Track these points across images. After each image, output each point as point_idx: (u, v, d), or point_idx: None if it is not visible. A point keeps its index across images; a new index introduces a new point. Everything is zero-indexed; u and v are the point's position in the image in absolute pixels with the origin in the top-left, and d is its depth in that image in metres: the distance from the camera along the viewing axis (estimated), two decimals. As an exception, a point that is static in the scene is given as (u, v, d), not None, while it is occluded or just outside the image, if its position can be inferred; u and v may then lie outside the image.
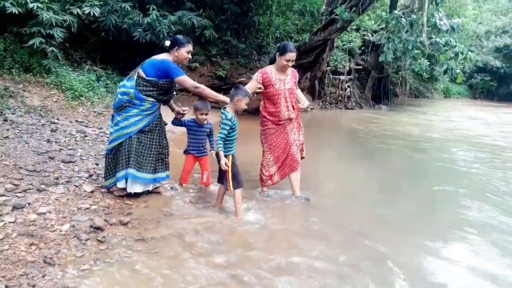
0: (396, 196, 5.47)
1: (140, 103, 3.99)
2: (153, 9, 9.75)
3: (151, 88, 4.01)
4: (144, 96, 4.00)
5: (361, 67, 19.49)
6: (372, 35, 18.94)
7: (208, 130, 4.78)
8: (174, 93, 4.41)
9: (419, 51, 10.65)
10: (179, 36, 4.24)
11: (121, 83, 4.14)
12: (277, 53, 4.33)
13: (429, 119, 16.51)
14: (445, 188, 5.93)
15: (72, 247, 3.00)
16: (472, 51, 14.25)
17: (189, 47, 4.17)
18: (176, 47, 4.11)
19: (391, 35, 10.32)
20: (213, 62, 12.71)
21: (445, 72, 10.99)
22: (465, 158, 8.47)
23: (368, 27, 18.81)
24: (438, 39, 9.98)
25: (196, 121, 4.68)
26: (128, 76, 4.10)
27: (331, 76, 17.34)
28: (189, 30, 10.60)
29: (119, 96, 4.06)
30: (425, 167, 7.65)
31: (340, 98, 18.04)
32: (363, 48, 19.35)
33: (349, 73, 18.44)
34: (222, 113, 3.79)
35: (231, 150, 3.88)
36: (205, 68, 12.62)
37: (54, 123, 6.64)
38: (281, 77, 4.38)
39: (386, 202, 5.00)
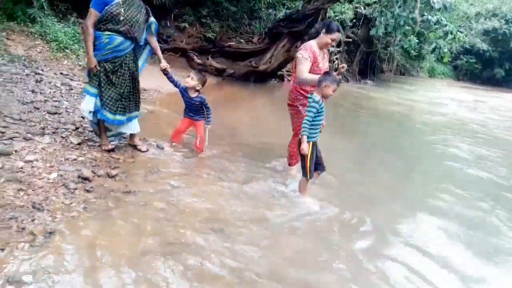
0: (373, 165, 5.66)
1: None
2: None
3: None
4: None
5: (350, 40, 19.39)
6: (365, 8, 18.76)
7: (197, 103, 4.70)
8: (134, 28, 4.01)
9: (410, 28, 10.69)
10: None
11: None
12: (323, 30, 4.06)
13: (415, 99, 16.73)
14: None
15: (61, 195, 3.05)
16: (461, 32, 14.38)
17: None
18: None
19: (384, 9, 10.29)
20: (202, 24, 12.46)
21: (433, 50, 11.13)
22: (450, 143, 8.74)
23: (361, -1, 18.59)
24: (430, 17, 10.01)
25: (186, 88, 4.65)
26: None
27: (321, 47, 17.24)
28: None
29: None
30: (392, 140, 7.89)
31: (328, 70, 18.03)
32: (354, 20, 19.16)
33: (338, 45, 18.35)
34: (309, 96, 3.68)
35: (314, 136, 3.74)
36: (194, 29, 12.37)
37: (39, 74, 6.49)
38: (321, 55, 4.15)
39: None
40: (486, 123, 11.21)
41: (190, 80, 4.57)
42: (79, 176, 3.40)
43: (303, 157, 3.70)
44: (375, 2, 17.82)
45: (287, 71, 15.62)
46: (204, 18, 12.47)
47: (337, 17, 18.18)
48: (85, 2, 10.25)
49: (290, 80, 4.55)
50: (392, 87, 19.72)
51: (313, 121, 3.61)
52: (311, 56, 3.96)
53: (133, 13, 3.99)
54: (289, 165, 4.51)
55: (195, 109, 4.73)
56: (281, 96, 12.74)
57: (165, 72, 4.45)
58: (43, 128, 4.30)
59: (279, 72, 14.28)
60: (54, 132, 4.28)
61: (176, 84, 4.63)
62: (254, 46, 12.78)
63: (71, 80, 6.99)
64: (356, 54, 19.57)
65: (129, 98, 4.20)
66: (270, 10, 15.05)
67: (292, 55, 13.41)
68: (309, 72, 3.95)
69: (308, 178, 3.77)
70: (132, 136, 4.47)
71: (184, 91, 4.67)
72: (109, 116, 4.07)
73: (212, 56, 12.29)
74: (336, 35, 4.03)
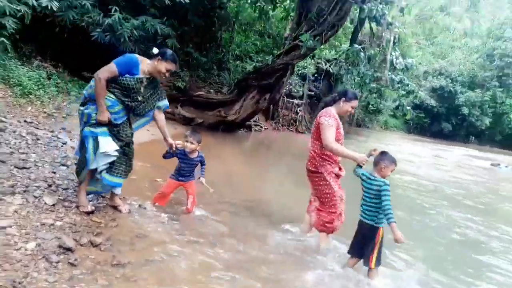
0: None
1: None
2: (116, 11, 9.34)
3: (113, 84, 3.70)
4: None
5: (313, 93, 20.10)
6: (325, 64, 19.67)
7: (197, 162, 4.52)
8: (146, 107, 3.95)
9: (374, 86, 11.24)
10: (168, 50, 3.99)
11: None
12: (342, 98, 4.14)
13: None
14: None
15: (42, 270, 2.63)
16: (421, 91, 15.27)
17: (172, 66, 3.97)
18: (159, 58, 3.88)
19: (350, 67, 10.77)
20: (172, 73, 12.36)
21: (396, 107, 11.63)
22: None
23: (322, 55, 19.50)
24: (393, 76, 10.55)
25: (185, 150, 4.40)
26: None
27: (286, 99, 17.67)
28: (151, 37, 10.28)
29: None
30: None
31: (292, 121, 18.42)
32: (316, 75, 20.00)
33: (302, 97, 18.93)
34: (379, 181, 3.41)
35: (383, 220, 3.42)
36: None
37: (2, 121, 6.00)
38: (341, 122, 4.19)
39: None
40: (461, 184, 11.06)
41: (190, 144, 4.35)
42: (60, 246, 2.99)
43: (374, 244, 3.36)
44: (335, 59, 18.78)
45: (254, 121, 15.77)
46: (174, 67, 12.40)
47: (300, 71, 18.91)
48: (50, 46, 10.04)
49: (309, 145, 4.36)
50: (351, 138, 20.37)
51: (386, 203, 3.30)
52: (335, 123, 3.99)
53: (148, 93, 3.89)
54: (320, 231, 4.17)
55: (192, 170, 4.51)
56: (250, 146, 12.70)
57: (172, 150, 4.27)
58: (12, 186, 3.85)
59: (247, 123, 14.34)
60: (25, 191, 3.83)
61: (173, 155, 4.39)
62: (223, 96, 12.81)
63: (36, 128, 6.52)
64: (319, 106, 20.20)
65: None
66: (238, 62, 15.35)
67: (261, 107, 13.59)
68: (334, 137, 3.95)
69: (379, 265, 3.44)
70: (113, 195, 4.11)
71: (183, 155, 4.43)
72: (109, 178, 3.82)
73: (181, 104, 12.14)
74: (356, 103, 4.18)
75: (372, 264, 3.36)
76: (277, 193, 6.55)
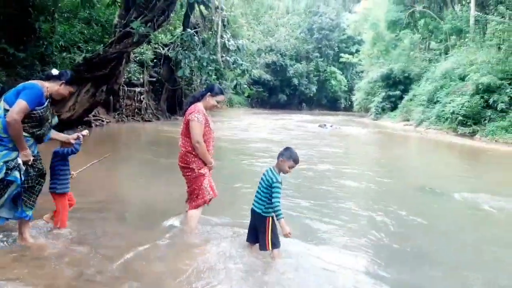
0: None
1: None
2: None
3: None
4: None
5: (155, 79, 19.69)
6: (163, 48, 19.39)
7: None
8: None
9: (212, 68, 11.62)
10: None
11: None
12: (209, 92, 4.17)
13: (217, 127, 18.05)
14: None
15: None
16: (256, 68, 16.36)
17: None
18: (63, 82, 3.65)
19: (187, 52, 10.88)
20: (-17, 74, 10.62)
21: (235, 87, 12.28)
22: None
23: (159, 40, 19.13)
24: (228, 58, 11.07)
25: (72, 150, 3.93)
26: None
27: (126, 88, 16.93)
28: None
29: None
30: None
31: (136, 110, 17.81)
32: (155, 60, 19.58)
33: (143, 85, 18.38)
34: (273, 175, 3.49)
35: (271, 211, 3.52)
36: (-25, 79, 10.43)
37: None
38: (209, 118, 4.18)
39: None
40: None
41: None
42: None
43: (265, 230, 3.50)
44: (171, 43, 18.66)
45: (94, 116, 14.73)
46: (-14, 66, 10.66)
47: (137, 58, 18.24)
48: None
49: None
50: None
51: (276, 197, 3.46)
52: (204, 119, 4.02)
53: (49, 116, 3.62)
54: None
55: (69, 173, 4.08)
56: (92, 143, 11.87)
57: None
58: None
59: (86, 118, 13.33)
60: None
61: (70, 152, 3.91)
62: (53, 94, 11.58)
63: None
64: (162, 92, 19.94)
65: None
66: (65, 54, 13.98)
67: (98, 100, 12.76)
68: (202, 133, 4.03)
69: (277, 247, 3.56)
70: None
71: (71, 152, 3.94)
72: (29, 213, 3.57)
73: None
74: (221, 97, 4.22)
75: (269, 247, 3.49)
76: (133, 190, 6.35)
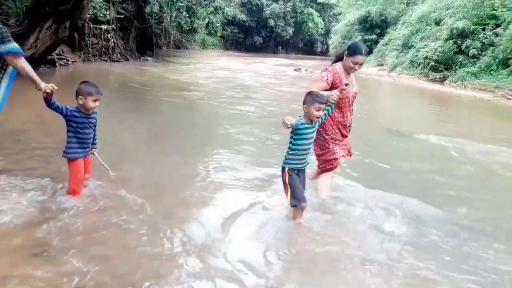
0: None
1: None
2: None
3: None
4: None
5: (122, 16, 18.64)
6: (132, -17, 18.22)
7: (95, 120, 3.47)
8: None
9: (183, 4, 11.01)
10: None
11: None
12: (346, 52, 3.68)
13: (190, 68, 17.57)
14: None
15: None
16: (231, 7, 15.64)
17: None
18: None
19: (155, -14, 10.21)
20: None
21: (207, 25, 11.79)
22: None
23: (126, -27, 17.92)
24: (199, -6, 10.50)
25: (82, 110, 3.30)
26: None
27: (92, 25, 15.99)
28: None
29: None
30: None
31: (103, 49, 16.99)
32: (123, -4, 18.46)
33: (110, 22, 17.40)
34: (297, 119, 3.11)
35: (296, 163, 3.22)
36: None
37: None
38: (349, 79, 3.72)
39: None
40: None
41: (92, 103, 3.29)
42: None
43: (285, 184, 3.27)
44: (140, -23, 17.50)
45: (58, 54, 13.99)
46: None
47: (103, -6, 17.10)
48: None
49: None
50: (171, 62, 20.15)
51: (294, 144, 3.19)
52: (331, 77, 3.63)
53: None
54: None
55: (88, 136, 3.42)
56: (59, 84, 11.39)
57: (48, 97, 3.14)
58: None
59: (50, 57, 12.66)
60: None
61: (59, 109, 3.23)
62: (12, 29, 10.81)
63: None
64: (131, 31, 18.99)
65: None
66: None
67: (61, 37, 12.05)
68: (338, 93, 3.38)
69: (298, 203, 3.24)
70: None
71: (77, 113, 3.28)
72: None
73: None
74: (359, 58, 3.63)
75: (288, 202, 3.26)
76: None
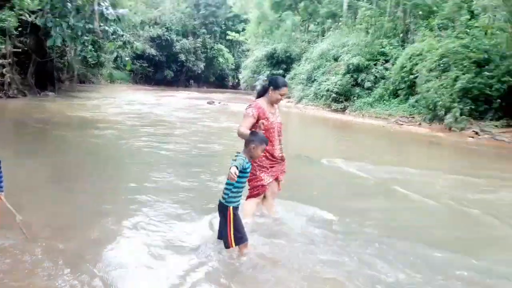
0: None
1: None
2: None
3: None
4: None
5: (20, 50, 17.42)
6: (30, 16, 17.18)
7: None
8: None
9: (89, 38, 10.66)
10: None
11: None
12: (270, 87, 3.98)
13: (98, 104, 16.87)
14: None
15: None
16: (140, 41, 15.47)
17: None
18: None
19: (58, 20, 9.79)
20: None
21: (115, 59, 11.57)
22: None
23: (24, 6, 16.87)
24: (107, 28, 10.33)
25: None
26: None
27: (-16, 59, 14.70)
28: None
29: None
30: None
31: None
32: (20, 29, 17.28)
33: (6, 56, 16.15)
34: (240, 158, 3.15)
35: (237, 200, 3.24)
36: None
37: None
38: (272, 111, 4.03)
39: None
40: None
41: None
42: None
43: (225, 225, 3.19)
44: (40, 10, 16.62)
45: None
46: None
47: (-2, 25, 15.88)
48: None
49: None
50: (76, 96, 19.13)
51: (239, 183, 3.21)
52: (256, 112, 3.89)
53: None
54: None
55: None
56: None
57: None
58: None
59: None
60: None
61: None
62: None
63: None
64: (30, 65, 17.79)
65: None
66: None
67: None
68: (261, 127, 3.87)
69: (242, 242, 3.21)
70: None
71: None
72: None
73: None
74: (284, 90, 4.02)
75: (232, 244, 3.17)
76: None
